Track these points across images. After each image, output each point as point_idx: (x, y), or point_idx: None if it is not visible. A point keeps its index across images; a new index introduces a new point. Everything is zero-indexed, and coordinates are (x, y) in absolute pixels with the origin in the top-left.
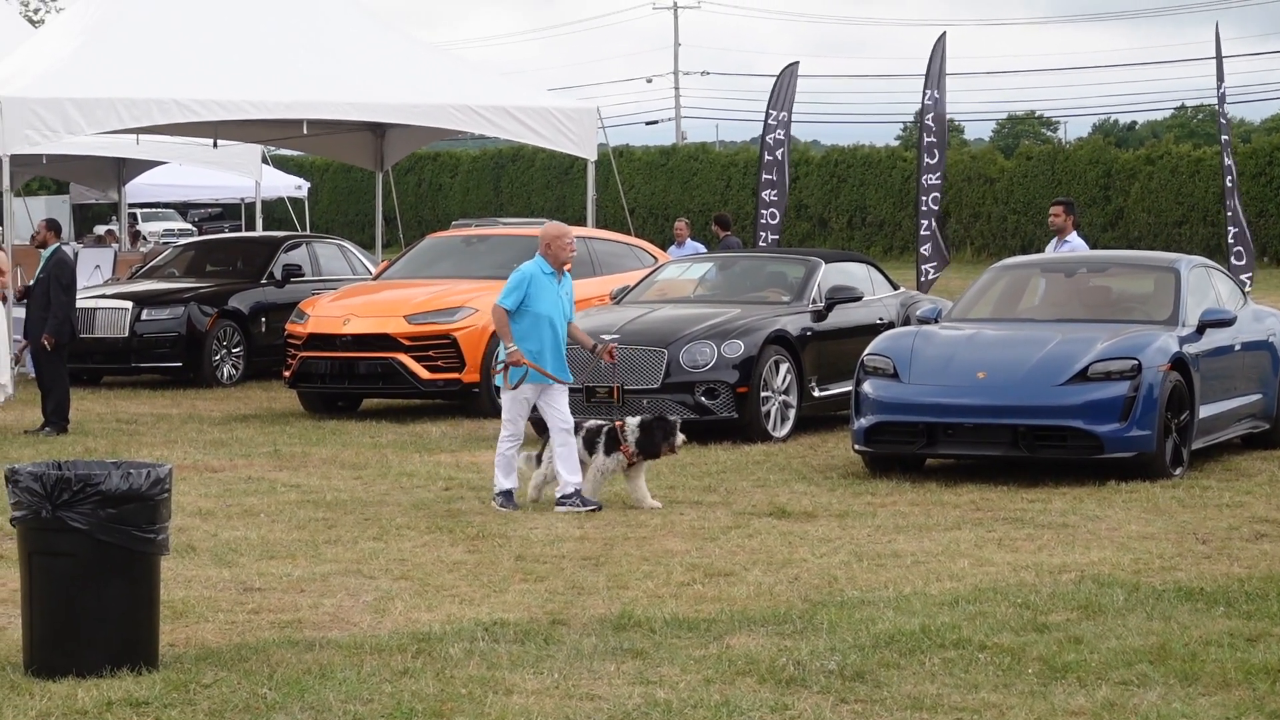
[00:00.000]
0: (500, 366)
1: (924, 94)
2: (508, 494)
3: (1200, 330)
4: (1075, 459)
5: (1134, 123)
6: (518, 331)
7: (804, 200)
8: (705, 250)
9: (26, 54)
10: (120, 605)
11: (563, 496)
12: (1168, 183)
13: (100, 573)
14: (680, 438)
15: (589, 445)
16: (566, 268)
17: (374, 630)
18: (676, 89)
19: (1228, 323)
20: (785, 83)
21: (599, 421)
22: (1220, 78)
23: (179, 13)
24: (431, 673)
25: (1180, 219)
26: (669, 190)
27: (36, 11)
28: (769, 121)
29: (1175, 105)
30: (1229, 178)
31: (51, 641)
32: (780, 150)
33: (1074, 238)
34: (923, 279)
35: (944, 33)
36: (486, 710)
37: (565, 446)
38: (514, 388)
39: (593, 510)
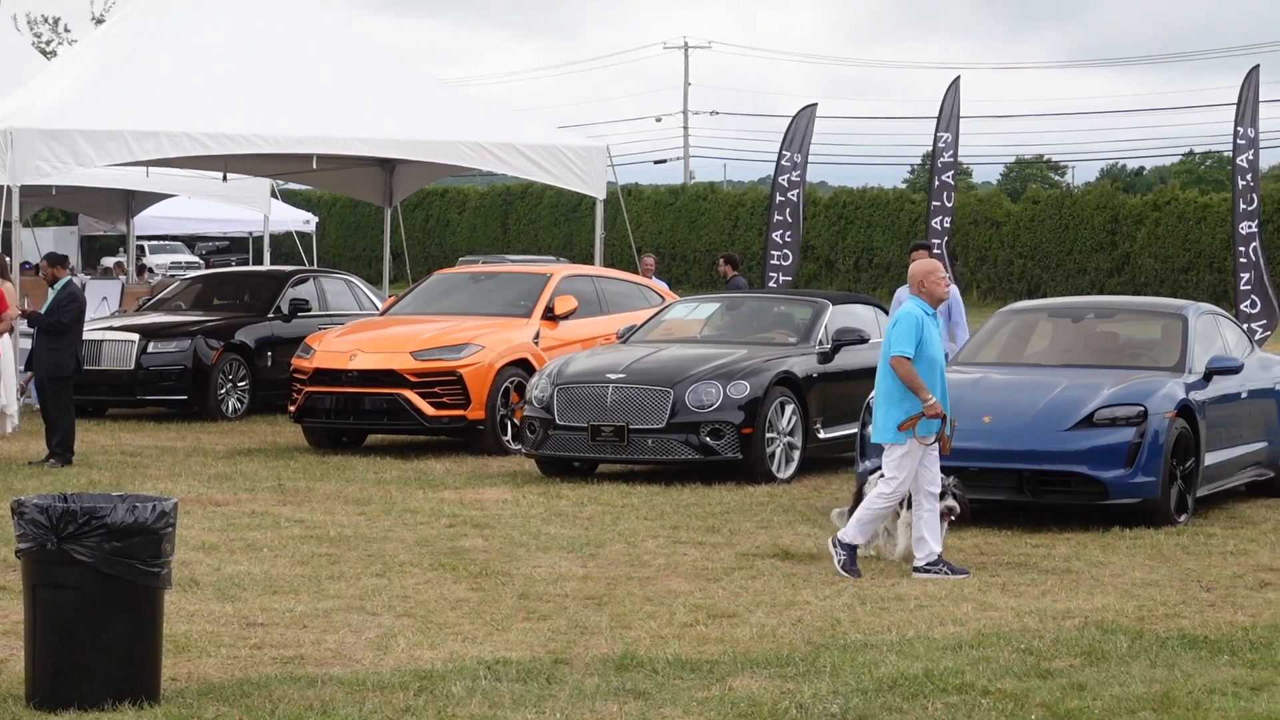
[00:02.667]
0: (908, 420)
1: (935, 137)
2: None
3: (1207, 377)
4: (1080, 504)
5: (1141, 168)
6: None
7: (811, 241)
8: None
9: (38, 85)
10: (123, 639)
11: (929, 564)
12: (1175, 229)
13: (104, 606)
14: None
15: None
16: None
17: (376, 667)
18: (685, 128)
19: (1235, 370)
20: (802, 124)
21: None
22: (1253, 121)
23: (190, 46)
24: (433, 711)
25: (1187, 265)
26: (676, 229)
27: (49, 43)
28: (782, 162)
29: (1184, 151)
30: (1247, 223)
31: (54, 674)
32: (794, 192)
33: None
34: None
35: (958, 76)
36: None
37: (932, 512)
38: (931, 442)
39: (963, 577)
